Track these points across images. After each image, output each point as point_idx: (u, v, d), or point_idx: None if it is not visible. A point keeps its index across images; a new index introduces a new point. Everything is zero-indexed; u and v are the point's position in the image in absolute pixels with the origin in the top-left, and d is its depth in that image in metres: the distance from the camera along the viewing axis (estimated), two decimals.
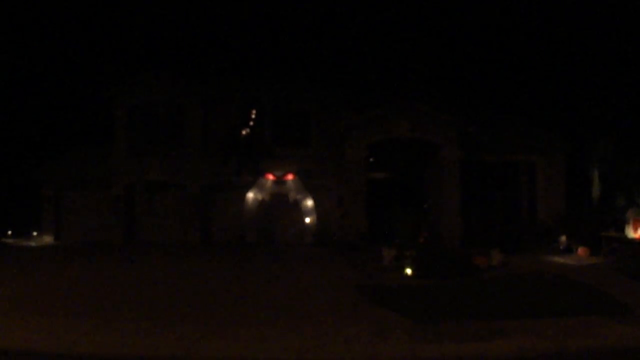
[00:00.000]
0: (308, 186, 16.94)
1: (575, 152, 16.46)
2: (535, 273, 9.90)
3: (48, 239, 18.11)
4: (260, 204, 17.12)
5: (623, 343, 5.70)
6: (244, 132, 17.02)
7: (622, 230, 12.34)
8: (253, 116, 17.15)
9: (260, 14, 31.21)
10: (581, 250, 12.03)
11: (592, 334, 5.94)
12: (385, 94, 17.65)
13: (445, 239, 14.07)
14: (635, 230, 11.71)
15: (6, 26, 24.85)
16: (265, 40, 29.38)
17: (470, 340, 5.73)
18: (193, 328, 6.23)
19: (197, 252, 14.59)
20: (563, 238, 13.17)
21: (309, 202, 16.87)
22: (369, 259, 11.96)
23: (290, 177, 16.90)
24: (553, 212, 15.34)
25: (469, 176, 15.62)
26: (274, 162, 16.97)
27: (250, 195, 16.97)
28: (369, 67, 24.38)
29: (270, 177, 16.91)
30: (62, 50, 25.44)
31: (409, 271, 9.97)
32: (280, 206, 17.42)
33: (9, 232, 19.01)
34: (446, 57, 24.40)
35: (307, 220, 16.88)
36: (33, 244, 17.35)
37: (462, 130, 14.84)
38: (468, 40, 25.35)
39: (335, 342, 5.73)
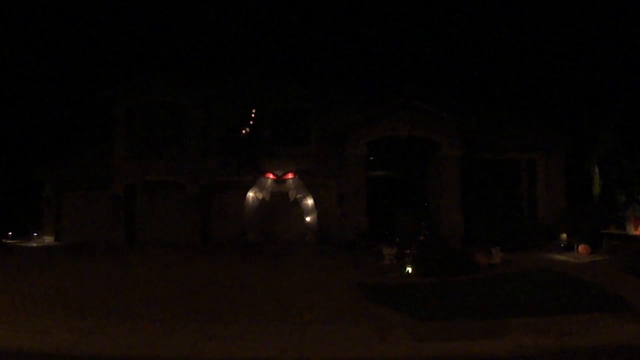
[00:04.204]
0: (308, 185, 16.93)
1: (576, 149, 16.43)
2: (536, 271, 9.89)
3: (48, 240, 18.12)
4: (261, 203, 17.11)
5: (624, 340, 5.68)
6: (243, 132, 17.00)
7: (623, 227, 12.32)
8: (253, 115, 17.13)
9: (260, 13, 31.19)
10: (582, 248, 12.01)
11: (593, 331, 5.93)
12: (385, 92, 17.66)
13: (445, 237, 14.04)
14: (636, 227, 11.69)
15: (6, 26, 24.83)
16: (264, 39, 29.35)
17: (472, 338, 5.72)
18: (194, 328, 6.23)
19: (198, 252, 14.60)
20: (564, 235, 13.15)
21: (310, 201, 16.86)
22: (369, 257, 11.96)
23: (290, 176, 16.89)
24: (554, 209, 15.32)
25: (470, 174, 15.60)
26: (274, 162, 16.96)
27: (250, 194, 16.96)
28: (369, 66, 24.36)
29: (271, 176, 16.90)
30: (61, 50, 25.43)
31: (409, 269, 9.96)
32: (281, 205, 17.41)
33: (10, 233, 19.01)
34: (446, 55, 24.36)
35: (308, 219, 16.87)
36: (33, 244, 17.37)
37: (462, 128, 14.81)
38: (467, 38, 25.32)
39: (336, 340, 5.72)
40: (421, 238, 13.73)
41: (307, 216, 16.89)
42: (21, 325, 6.38)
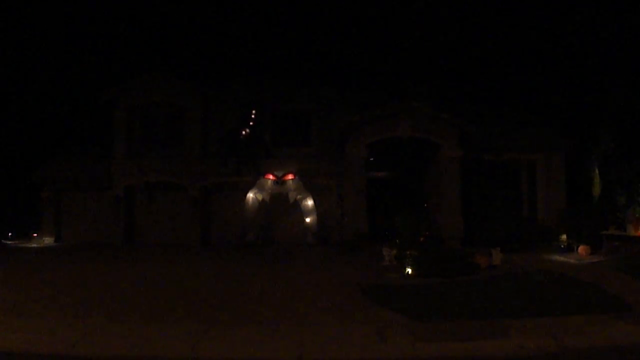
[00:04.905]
0: (308, 186, 16.93)
1: (576, 150, 16.43)
2: (536, 272, 9.88)
3: (48, 240, 18.11)
4: (261, 204, 17.11)
5: (624, 341, 5.68)
6: (243, 133, 17.00)
7: (623, 228, 12.30)
8: (253, 116, 17.14)
9: (260, 14, 31.20)
10: (582, 249, 12.00)
11: (593, 332, 5.92)
12: (385, 93, 17.64)
13: (445, 238, 14.05)
14: (637, 228, 11.67)
15: (6, 26, 24.86)
16: (264, 40, 29.37)
17: (472, 339, 5.72)
18: (193, 328, 6.23)
19: (197, 253, 14.60)
20: (564, 236, 13.14)
21: (309, 202, 16.86)
22: (369, 258, 11.95)
23: (290, 177, 16.89)
24: (553, 210, 15.32)
25: (470, 175, 15.60)
26: (274, 162, 16.97)
27: (250, 195, 16.96)
28: (369, 67, 24.36)
29: (271, 177, 16.90)
30: (61, 51, 25.45)
31: (409, 270, 9.95)
32: (281, 206, 17.41)
33: (9, 234, 19.01)
34: (446, 56, 24.39)
35: (308, 220, 16.87)
36: (33, 245, 17.36)
37: (463, 129, 14.82)
38: (467, 39, 25.34)
39: (335, 341, 5.72)
40: (421, 239, 13.72)
41: (307, 217, 16.89)
42: (20, 325, 6.37)
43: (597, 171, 15.93)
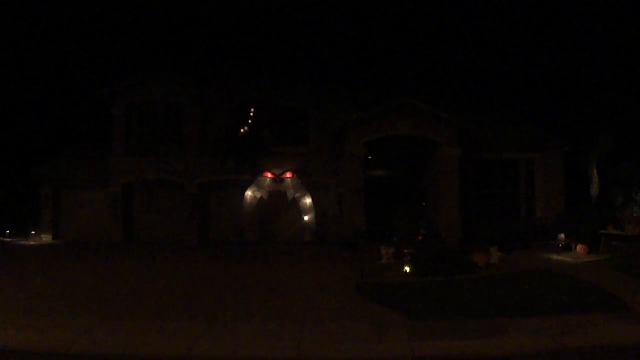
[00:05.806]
0: (306, 184, 16.92)
1: (574, 149, 16.46)
2: (534, 271, 9.90)
3: (46, 238, 18.07)
4: (259, 202, 17.10)
5: (622, 340, 5.69)
6: (242, 130, 16.98)
7: (621, 227, 12.34)
8: (251, 114, 17.12)
9: (258, 13, 31.14)
10: (580, 248, 12.02)
11: (591, 331, 5.93)
12: (384, 92, 17.64)
13: (443, 237, 14.06)
14: (634, 227, 11.71)
15: (5, 24, 24.78)
16: (263, 38, 29.33)
17: (469, 338, 5.72)
18: (192, 326, 6.22)
19: (196, 251, 14.59)
20: (562, 235, 13.16)
21: (308, 200, 16.85)
22: (367, 256, 11.94)
23: (288, 175, 16.88)
24: (552, 209, 15.34)
25: (468, 174, 15.61)
26: (273, 160, 16.95)
27: (248, 193, 16.95)
28: (368, 65, 24.34)
29: (269, 175, 16.89)
30: (60, 49, 25.38)
31: (407, 269, 9.96)
32: (279, 204, 17.40)
33: (7, 231, 18.96)
34: (445, 55, 24.38)
35: (306, 218, 16.86)
36: (31, 242, 17.33)
37: (461, 128, 14.82)
38: (466, 38, 25.34)
39: (334, 339, 5.72)
40: (419, 238, 13.74)
41: (305, 215, 16.89)
42: (18, 324, 6.36)
43: (595, 171, 15.97)
